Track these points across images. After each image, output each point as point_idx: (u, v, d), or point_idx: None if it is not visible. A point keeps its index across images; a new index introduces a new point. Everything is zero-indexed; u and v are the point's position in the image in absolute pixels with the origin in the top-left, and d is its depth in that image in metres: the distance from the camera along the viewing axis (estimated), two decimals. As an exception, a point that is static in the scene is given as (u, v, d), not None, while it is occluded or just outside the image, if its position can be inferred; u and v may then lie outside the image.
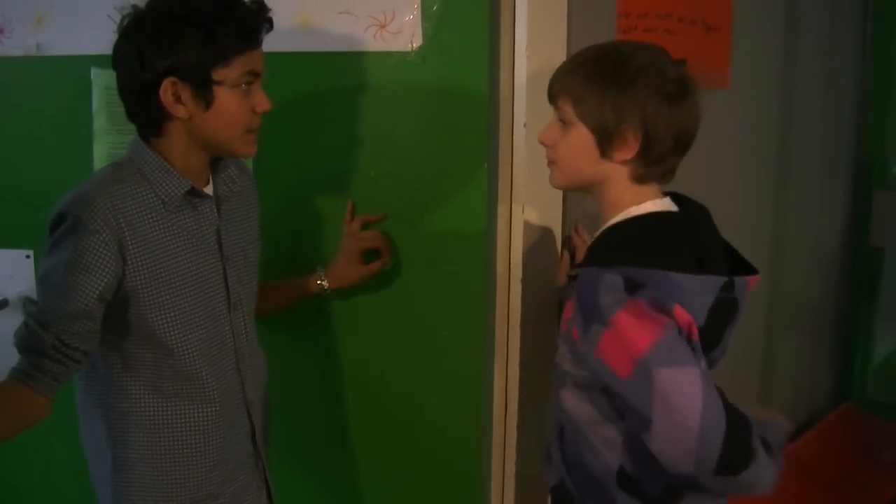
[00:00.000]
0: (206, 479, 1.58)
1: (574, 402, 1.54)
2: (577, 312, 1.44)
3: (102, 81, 1.92)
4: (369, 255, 1.84)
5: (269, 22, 1.51)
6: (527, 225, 1.83)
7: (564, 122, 1.48)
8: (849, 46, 3.14)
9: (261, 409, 1.71)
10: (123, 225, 1.43)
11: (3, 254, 2.05)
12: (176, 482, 1.56)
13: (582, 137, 1.46)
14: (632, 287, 1.37)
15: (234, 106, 1.47)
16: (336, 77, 1.83)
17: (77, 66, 1.93)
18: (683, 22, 2.11)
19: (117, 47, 1.47)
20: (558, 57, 1.82)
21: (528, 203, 1.83)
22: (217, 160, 1.61)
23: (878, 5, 3.17)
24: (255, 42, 1.48)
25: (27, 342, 1.40)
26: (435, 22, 1.76)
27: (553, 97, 1.51)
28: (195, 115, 1.46)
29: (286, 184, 1.87)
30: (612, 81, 1.43)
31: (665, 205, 1.51)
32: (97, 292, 1.40)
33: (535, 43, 1.78)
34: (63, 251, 1.40)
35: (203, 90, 1.44)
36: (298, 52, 1.79)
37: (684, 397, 1.31)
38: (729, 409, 1.33)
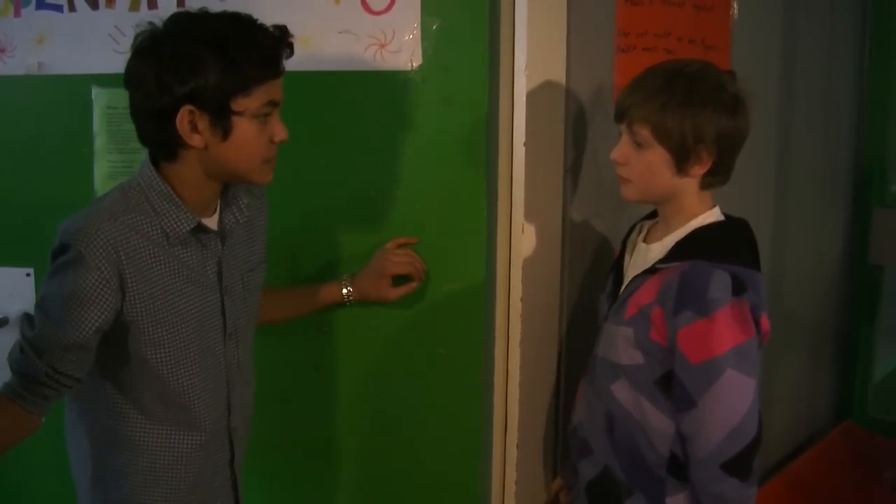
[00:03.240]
0: (182, 502, 1.57)
1: (627, 395, 1.64)
2: (671, 296, 1.53)
3: (103, 100, 1.93)
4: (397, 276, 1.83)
5: (291, 48, 1.44)
6: (526, 244, 1.83)
7: (640, 144, 1.56)
8: (847, 64, 3.15)
9: (243, 436, 1.68)
10: (124, 259, 1.39)
11: (4, 272, 2.05)
12: (153, 501, 1.55)
13: (659, 157, 1.57)
14: (738, 288, 1.50)
15: (251, 137, 1.41)
16: (336, 96, 1.84)
17: (78, 85, 1.94)
18: (682, 41, 2.11)
19: (131, 67, 1.40)
20: (558, 76, 1.83)
21: (528, 222, 1.83)
22: (227, 188, 1.55)
23: (876, 24, 3.18)
24: (276, 71, 1.42)
25: (21, 366, 1.39)
26: (435, 41, 1.77)
27: (628, 122, 1.58)
28: (211, 145, 1.40)
29: (285, 203, 1.86)
30: (688, 106, 1.53)
31: (719, 211, 1.64)
32: (95, 326, 1.38)
33: (534, 62, 1.78)
34: (63, 282, 1.37)
35: (221, 120, 1.38)
36: (298, 71, 1.79)
37: (736, 399, 1.49)
38: (760, 425, 1.51)
